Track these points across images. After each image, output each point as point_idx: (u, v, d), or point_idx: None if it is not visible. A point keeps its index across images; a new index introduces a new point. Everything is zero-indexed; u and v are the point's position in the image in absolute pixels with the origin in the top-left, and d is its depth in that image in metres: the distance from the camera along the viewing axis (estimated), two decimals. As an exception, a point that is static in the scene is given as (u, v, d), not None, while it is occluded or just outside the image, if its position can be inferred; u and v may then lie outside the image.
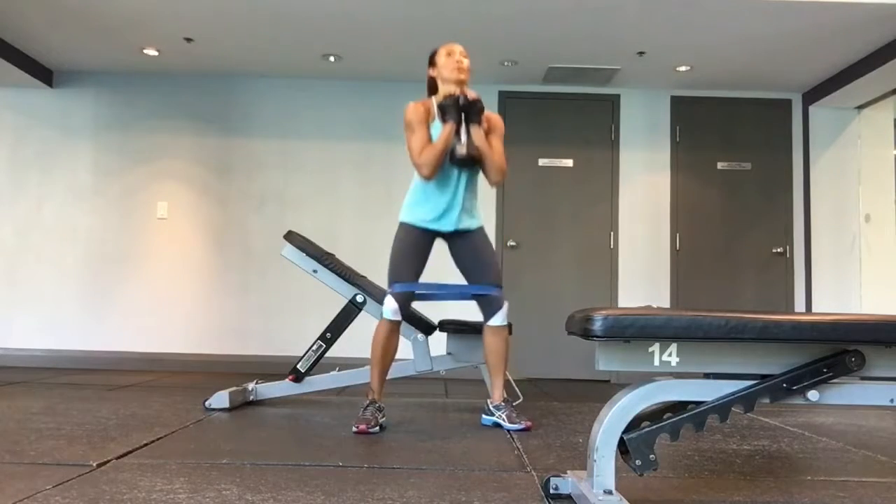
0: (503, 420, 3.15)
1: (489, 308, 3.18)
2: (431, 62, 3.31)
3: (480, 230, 3.29)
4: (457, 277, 3.38)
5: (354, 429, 2.95)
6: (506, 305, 3.19)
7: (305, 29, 4.73)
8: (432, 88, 3.33)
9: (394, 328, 3.12)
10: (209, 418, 3.24)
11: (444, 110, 3.10)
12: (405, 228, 3.21)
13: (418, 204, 3.20)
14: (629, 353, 1.76)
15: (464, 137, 3.10)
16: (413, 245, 3.18)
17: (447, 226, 3.19)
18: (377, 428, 3.00)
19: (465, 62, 3.23)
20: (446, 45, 3.28)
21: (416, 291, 3.20)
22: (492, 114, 3.30)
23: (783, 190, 5.71)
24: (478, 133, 3.12)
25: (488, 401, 3.30)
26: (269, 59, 5.35)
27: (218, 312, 5.61)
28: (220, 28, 4.76)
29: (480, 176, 3.26)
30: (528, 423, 3.13)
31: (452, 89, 3.18)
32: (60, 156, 5.70)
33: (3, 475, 2.09)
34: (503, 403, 3.21)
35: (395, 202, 5.64)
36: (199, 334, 5.59)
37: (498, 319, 3.17)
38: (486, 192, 5.48)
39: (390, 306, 3.09)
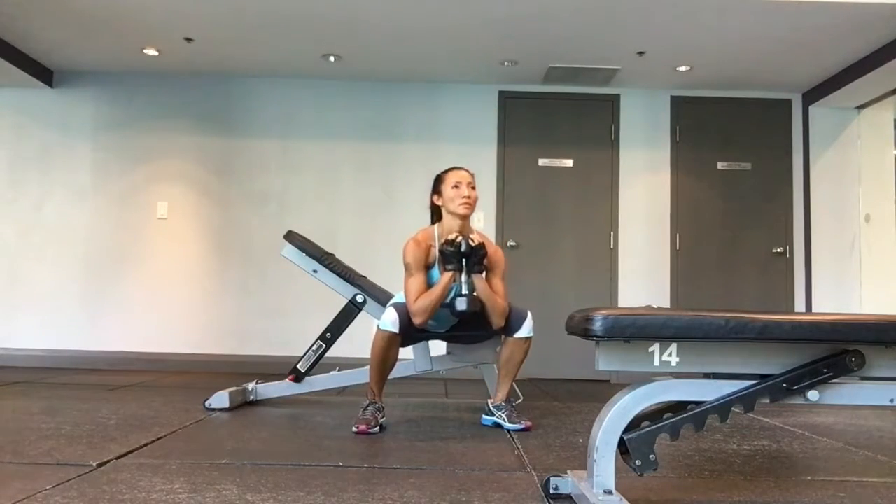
0: (503, 420, 3.15)
1: (514, 322, 3.15)
2: (436, 189, 3.19)
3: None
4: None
5: (354, 429, 2.95)
6: (530, 316, 3.17)
7: (305, 29, 4.73)
8: (435, 213, 3.23)
9: (392, 340, 3.03)
10: (209, 418, 3.24)
11: (445, 258, 2.99)
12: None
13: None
14: (629, 353, 1.76)
15: (465, 289, 2.99)
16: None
17: (443, 329, 3.29)
18: (377, 428, 2.99)
19: (474, 194, 3.12)
20: (453, 171, 3.16)
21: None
22: (493, 248, 3.21)
23: (783, 190, 5.71)
24: (480, 282, 3.04)
25: (489, 401, 3.30)
26: (269, 59, 5.35)
27: (218, 312, 5.61)
28: (220, 28, 4.76)
29: None
30: (528, 424, 3.13)
31: (458, 225, 3.09)
32: (60, 156, 5.70)
33: (3, 475, 2.09)
34: (503, 404, 3.21)
35: (395, 202, 5.64)
36: (199, 334, 5.59)
37: (524, 331, 3.15)
38: (486, 193, 5.48)
39: (389, 317, 3.02)
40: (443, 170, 3.23)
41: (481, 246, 3.02)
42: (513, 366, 3.20)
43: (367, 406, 3.08)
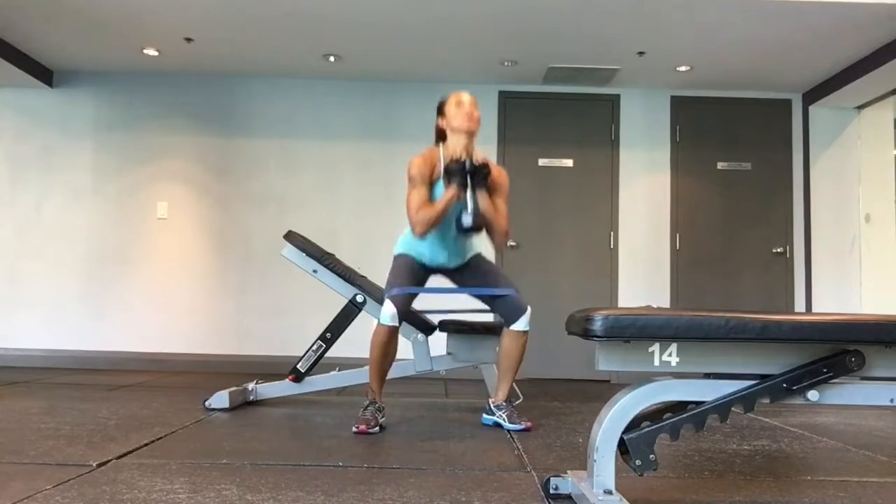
0: (503, 420, 3.15)
1: (512, 312, 3.16)
2: (440, 111, 3.24)
3: (478, 255, 3.32)
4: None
5: (354, 429, 2.95)
6: (529, 310, 3.17)
7: (305, 29, 4.73)
8: (440, 137, 3.27)
9: (392, 333, 3.07)
10: (209, 418, 3.24)
11: (449, 174, 3.03)
12: (402, 257, 3.23)
13: (417, 242, 3.21)
14: (629, 353, 1.76)
15: (470, 205, 3.02)
16: (410, 266, 3.20)
17: (445, 265, 3.24)
18: (377, 428, 3.00)
19: (476, 113, 3.16)
20: (456, 93, 3.21)
21: (420, 293, 3.19)
22: (497, 169, 3.23)
23: (783, 190, 5.71)
24: (483, 198, 3.08)
25: (490, 400, 3.30)
26: (269, 59, 5.35)
27: (218, 312, 5.61)
28: (220, 28, 4.76)
29: None
30: (529, 424, 3.13)
31: (461, 144, 3.12)
32: (60, 156, 5.70)
33: (3, 475, 2.09)
34: (504, 403, 3.21)
35: (395, 202, 5.64)
36: (199, 334, 5.59)
37: (521, 324, 3.15)
38: (486, 192, 5.47)
39: (388, 311, 3.05)
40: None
41: (485, 165, 3.06)
42: (511, 362, 3.19)
43: (367, 406, 3.08)
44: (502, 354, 3.21)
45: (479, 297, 3.26)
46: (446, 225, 3.13)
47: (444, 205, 3.02)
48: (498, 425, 3.19)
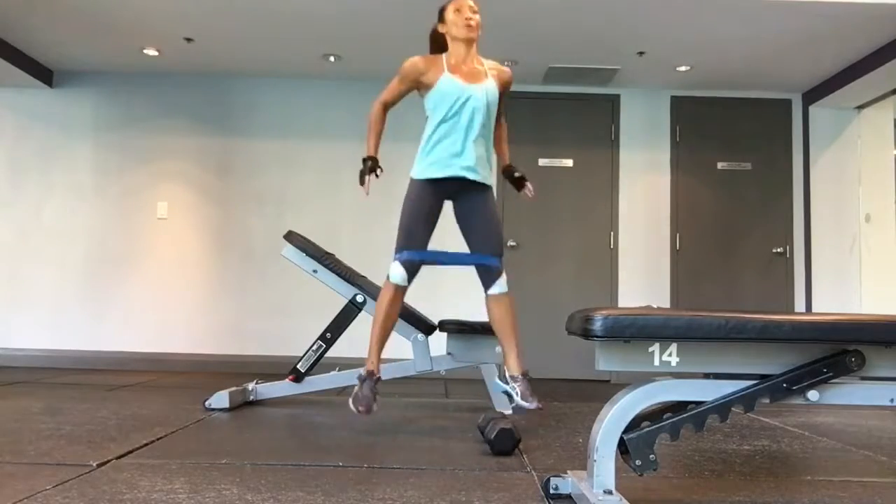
0: (516, 394, 2.95)
1: (488, 277, 3.09)
2: (440, 19, 3.15)
3: (489, 193, 3.17)
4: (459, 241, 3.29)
5: (357, 409, 2.85)
6: (504, 274, 3.09)
7: (305, 29, 4.73)
8: (438, 42, 3.19)
9: (399, 293, 3.03)
10: (209, 418, 3.24)
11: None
12: (417, 186, 3.12)
13: (430, 149, 3.11)
14: (629, 353, 1.76)
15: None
16: (424, 205, 3.08)
17: (459, 169, 3.06)
18: (376, 406, 2.90)
19: (476, 18, 3.07)
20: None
21: (427, 259, 3.11)
22: (505, 72, 3.20)
23: (783, 190, 5.71)
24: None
25: (505, 368, 3.08)
26: (269, 59, 5.35)
27: (218, 312, 5.61)
28: (220, 28, 4.76)
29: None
30: (540, 405, 2.93)
31: (462, 53, 3.08)
32: (60, 156, 5.70)
33: (3, 475, 2.09)
34: (521, 376, 3.00)
35: (395, 202, 5.62)
36: (199, 334, 5.59)
37: (497, 288, 3.06)
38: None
39: (398, 272, 3.00)
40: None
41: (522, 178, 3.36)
42: (505, 327, 3.06)
43: (365, 381, 2.96)
44: (492, 322, 3.09)
45: (469, 241, 3.17)
46: (461, 126, 3.06)
47: (374, 140, 3.38)
48: (508, 395, 3.01)
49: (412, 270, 3.05)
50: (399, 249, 3.06)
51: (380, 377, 3.03)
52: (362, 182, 3.22)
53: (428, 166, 3.11)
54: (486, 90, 3.08)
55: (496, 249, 3.12)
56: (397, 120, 5.72)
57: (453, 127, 3.07)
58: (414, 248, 3.05)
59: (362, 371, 3.02)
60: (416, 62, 3.08)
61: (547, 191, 5.67)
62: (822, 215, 5.60)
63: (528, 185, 3.41)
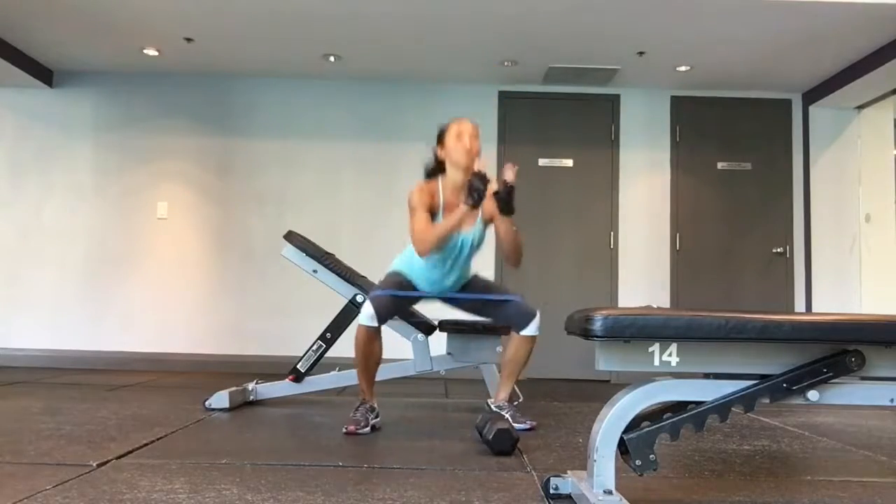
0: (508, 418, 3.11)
1: (521, 317, 3.12)
2: (440, 141, 3.14)
3: (475, 276, 3.28)
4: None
5: (344, 430, 2.93)
6: (538, 314, 3.15)
7: (305, 29, 4.73)
8: (438, 168, 3.17)
9: (371, 335, 2.99)
10: (209, 418, 3.24)
11: (471, 190, 2.81)
12: (395, 274, 3.17)
13: (415, 266, 3.14)
14: (629, 353, 1.76)
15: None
16: (399, 283, 3.14)
17: (441, 290, 3.18)
18: (367, 429, 2.96)
19: (476, 145, 3.07)
20: (457, 122, 3.11)
21: (407, 296, 3.16)
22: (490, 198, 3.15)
23: (783, 190, 5.71)
24: (505, 224, 2.98)
25: (489, 401, 3.29)
26: (269, 59, 5.35)
27: (218, 312, 5.61)
28: (220, 28, 4.76)
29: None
30: (533, 424, 3.11)
31: (459, 180, 3.03)
32: (60, 156, 5.70)
33: (3, 475, 2.09)
34: (506, 404, 3.19)
35: (395, 202, 5.63)
36: (199, 334, 5.59)
37: (531, 329, 3.13)
38: (486, 192, 5.47)
39: (367, 311, 2.98)
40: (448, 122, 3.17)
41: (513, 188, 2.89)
42: (516, 365, 3.17)
43: (359, 406, 3.05)
44: (508, 357, 3.17)
45: (481, 311, 3.23)
46: (449, 249, 3.05)
47: (457, 220, 2.87)
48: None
49: (383, 310, 3.00)
50: (373, 289, 3.10)
51: (374, 406, 3.08)
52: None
53: (412, 275, 3.16)
54: (475, 232, 3.10)
55: (512, 293, 3.18)
56: (397, 119, 5.74)
57: (442, 260, 3.12)
58: (386, 293, 3.06)
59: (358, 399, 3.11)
60: (420, 192, 3.03)
61: (547, 191, 5.67)
62: (822, 215, 5.60)
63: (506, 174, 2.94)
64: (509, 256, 3.07)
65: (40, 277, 5.62)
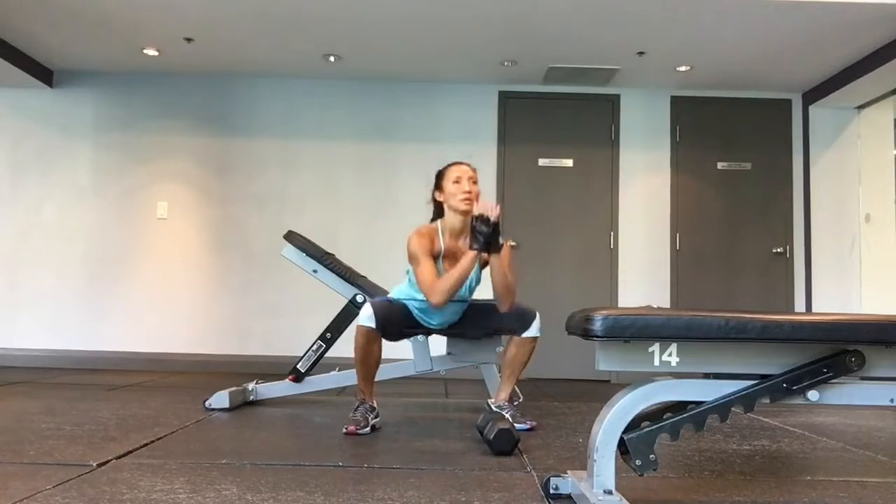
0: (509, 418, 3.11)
1: (522, 320, 3.15)
2: (438, 184, 3.13)
3: (470, 305, 3.30)
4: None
5: (344, 430, 2.93)
6: (538, 316, 3.17)
7: (305, 29, 4.73)
8: (437, 211, 3.18)
9: (370, 336, 2.98)
10: (209, 418, 3.24)
11: (475, 235, 2.85)
12: (398, 300, 3.20)
13: (416, 301, 3.16)
14: (629, 353, 1.76)
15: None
16: (399, 308, 3.16)
17: (440, 324, 3.23)
18: (367, 429, 2.96)
19: (475, 189, 3.05)
20: (454, 166, 3.09)
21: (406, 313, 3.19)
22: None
23: (783, 190, 5.71)
24: (499, 261, 2.98)
25: (489, 401, 3.29)
26: (269, 59, 5.35)
27: (218, 312, 5.61)
28: (220, 28, 4.76)
29: None
30: (533, 424, 3.12)
31: (458, 224, 3.05)
32: (60, 156, 5.70)
33: (3, 475, 2.09)
34: (506, 404, 3.19)
35: (395, 202, 5.64)
36: (200, 334, 5.59)
37: (533, 330, 3.16)
38: (486, 193, 5.47)
39: (366, 312, 2.99)
40: (445, 165, 3.17)
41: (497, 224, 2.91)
42: (517, 366, 3.18)
43: (358, 407, 3.04)
44: (509, 358, 3.18)
45: (484, 333, 3.28)
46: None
47: (468, 266, 2.88)
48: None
49: (382, 314, 3.00)
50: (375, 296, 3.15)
51: (374, 406, 3.08)
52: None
53: (414, 308, 3.19)
54: (472, 274, 3.08)
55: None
56: (397, 119, 5.74)
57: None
58: (388, 298, 3.10)
59: (356, 399, 3.12)
60: (420, 237, 3.02)
61: (547, 191, 5.67)
62: (822, 215, 5.60)
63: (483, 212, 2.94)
64: (502, 297, 3.06)
65: (40, 277, 5.62)
